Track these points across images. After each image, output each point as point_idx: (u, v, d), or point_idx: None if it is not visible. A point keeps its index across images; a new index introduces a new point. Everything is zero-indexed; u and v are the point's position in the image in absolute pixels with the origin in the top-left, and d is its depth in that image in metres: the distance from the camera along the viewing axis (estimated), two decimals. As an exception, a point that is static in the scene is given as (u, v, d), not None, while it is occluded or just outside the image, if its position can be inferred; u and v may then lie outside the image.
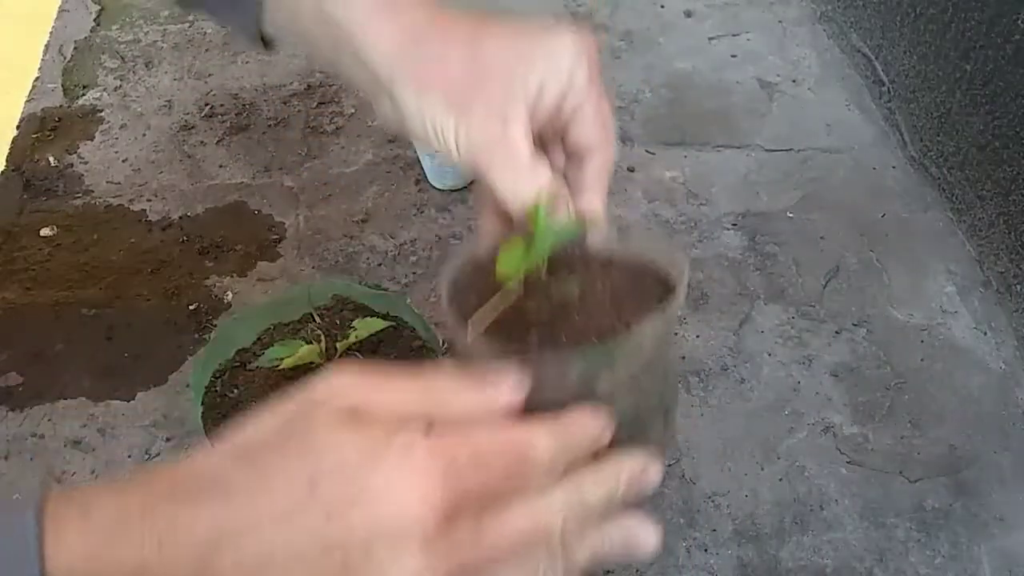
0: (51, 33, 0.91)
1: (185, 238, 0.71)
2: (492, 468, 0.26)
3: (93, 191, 0.75)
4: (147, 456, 0.57)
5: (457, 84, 0.36)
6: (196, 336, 0.63)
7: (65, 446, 0.57)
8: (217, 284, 0.67)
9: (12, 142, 0.79)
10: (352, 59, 0.38)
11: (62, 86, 0.85)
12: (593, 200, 0.40)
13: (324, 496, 0.24)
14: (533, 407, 0.31)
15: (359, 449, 0.25)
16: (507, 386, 0.30)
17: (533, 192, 0.36)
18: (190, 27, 0.92)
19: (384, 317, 0.51)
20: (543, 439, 0.28)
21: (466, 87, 0.36)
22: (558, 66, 0.37)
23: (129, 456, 0.57)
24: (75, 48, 0.89)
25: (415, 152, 0.75)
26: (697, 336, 0.64)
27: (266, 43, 0.41)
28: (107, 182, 0.76)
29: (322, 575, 0.24)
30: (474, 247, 0.41)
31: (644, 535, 0.29)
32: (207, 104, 0.83)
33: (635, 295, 0.39)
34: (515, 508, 0.26)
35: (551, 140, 0.40)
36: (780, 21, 0.94)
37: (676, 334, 0.64)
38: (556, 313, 0.37)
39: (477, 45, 0.37)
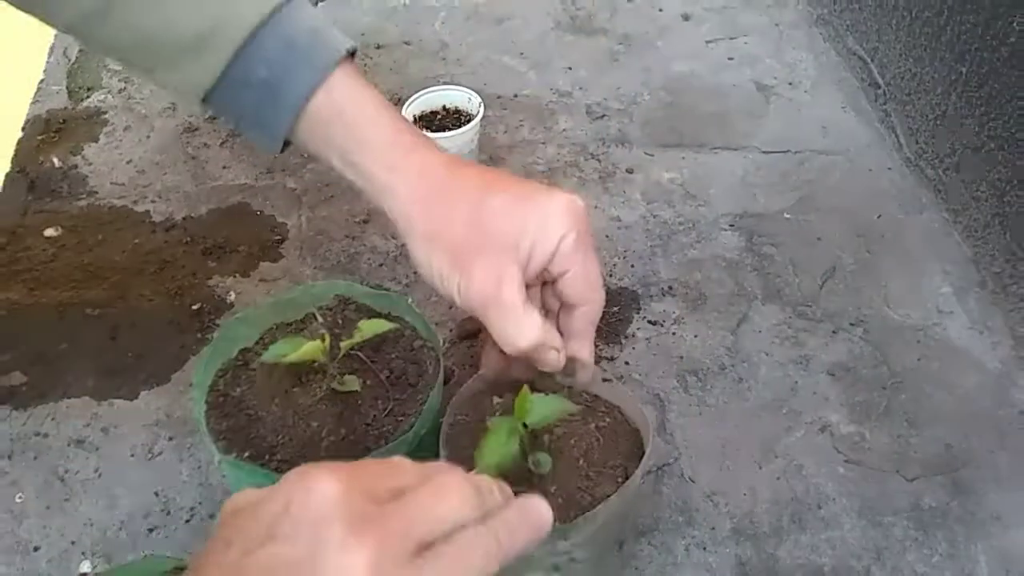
0: (55, 35, 0.92)
1: (188, 239, 0.71)
2: (371, 466, 0.32)
3: (97, 192, 0.75)
4: (150, 455, 0.57)
5: (460, 245, 0.43)
6: (199, 336, 0.64)
7: (68, 445, 0.57)
8: (220, 284, 0.68)
9: (17, 144, 0.80)
10: (373, 197, 0.45)
11: (67, 88, 0.85)
12: (581, 348, 0.46)
13: (245, 531, 0.30)
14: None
15: (261, 495, 0.31)
16: None
17: (525, 340, 0.43)
18: (193, 30, 0.93)
19: (386, 317, 0.51)
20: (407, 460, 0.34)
21: (468, 249, 0.43)
22: (548, 235, 0.43)
23: (132, 455, 0.57)
24: (80, 50, 0.90)
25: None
26: (695, 336, 0.64)
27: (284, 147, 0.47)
28: (111, 183, 0.76)
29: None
30: (476, 382, 0.48)
31: (538, 504, 0.34)
32: (209, 107, 0.83)
33: (607, 452, 0.46)
34: (417, 490, 0.31)
35: (547, 284, 0.46)
36: (777, 24, 0.95)
37: (675, 334, 0.65)
38: (533, 476, 0.43)
39: (480, 208, 0.43)
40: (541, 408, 0.42)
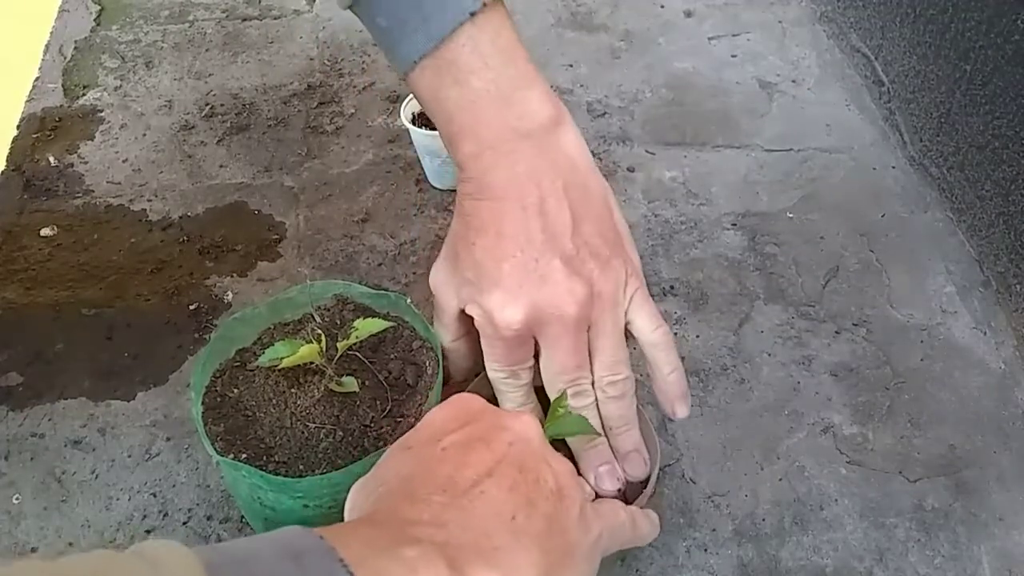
0: (51, 33, 0.91)
1: (185, 238, 0.71)
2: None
3: (93, 191, 0.75)
4: (147, 456, 0.57)
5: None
6: (196, 336, 0.63)
7: (65, 446, 0.57)
8: (217, 284, 0.67)
9: (12, 142, 0.79)
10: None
11: (62, 86, 0.85)
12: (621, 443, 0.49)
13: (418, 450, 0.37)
14: None
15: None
16: None
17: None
18: (190, 27, 0.92)
19: (384, 317, 0.51)
20: None
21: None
22: None
23: (129, 456, 0.57)
24: (75, 48, 0.89)
25: (415, 152, 0.75)
26: (697, 336, 0.64)
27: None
28: (107, 182, 0.76)
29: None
30: (478, 383, 0.48)
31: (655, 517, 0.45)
32: (207, 104, 0.83)
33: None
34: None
35: None
36: (780, 21, 0.94)
37: (676, 334, 0.64)
38: None
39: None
40: (566, 423, 0.44)
